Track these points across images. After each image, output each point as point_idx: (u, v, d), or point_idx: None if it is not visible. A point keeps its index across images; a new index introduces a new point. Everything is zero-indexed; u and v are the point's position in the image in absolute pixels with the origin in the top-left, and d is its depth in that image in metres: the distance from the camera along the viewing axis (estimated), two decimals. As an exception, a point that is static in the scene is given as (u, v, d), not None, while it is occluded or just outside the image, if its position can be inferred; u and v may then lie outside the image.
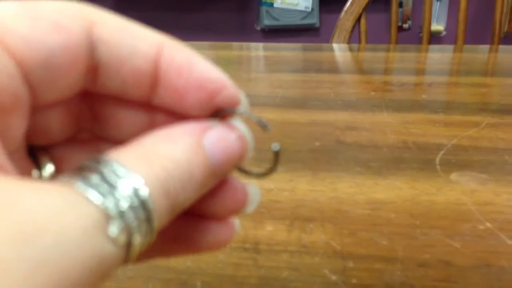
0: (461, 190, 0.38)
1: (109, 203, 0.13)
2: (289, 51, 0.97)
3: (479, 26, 1.93)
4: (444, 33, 2.47)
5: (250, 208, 0.20)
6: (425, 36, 1.11)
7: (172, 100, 0.18)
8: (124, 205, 0.14)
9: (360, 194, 0.38)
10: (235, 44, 1.00)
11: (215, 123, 0.18)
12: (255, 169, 0.20)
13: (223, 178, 0.19)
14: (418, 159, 0.44)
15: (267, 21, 2.58)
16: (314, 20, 2.57)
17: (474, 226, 0.34)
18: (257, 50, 1.01)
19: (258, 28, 2.62)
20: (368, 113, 0.57)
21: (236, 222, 0.20)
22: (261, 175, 0.20)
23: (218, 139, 0.17)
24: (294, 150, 0.47)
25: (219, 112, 0.18)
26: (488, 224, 0.34)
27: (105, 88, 0.18)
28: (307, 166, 0.43)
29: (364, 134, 0.50)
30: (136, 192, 0.14)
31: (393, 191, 0.38)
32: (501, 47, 0.99)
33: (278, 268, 0.30)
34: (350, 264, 0.30)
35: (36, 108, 0.17)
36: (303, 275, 0.29)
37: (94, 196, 0.13)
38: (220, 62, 0.20)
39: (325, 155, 0.46)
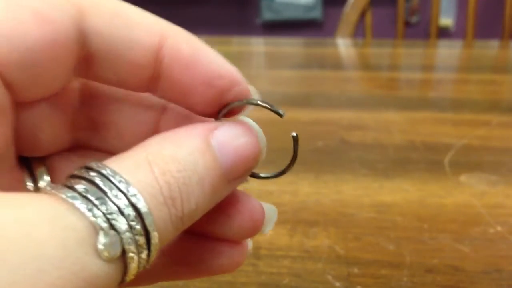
0: (470, 192, 0.37)
1: (98, 214, 0.12)
2: (291, 46, 0.96)
3: (489, 21, 1.91)
4: (453, 28, 2.45)
5: (267, 229, 0.18)
6: (433, 31, 1.09)
7: (175, 95, 0.16)
8: (116, 216, 0.12)
9: (365, 197, 0.37)
10: (235, 39, 0.99)
11: (224, 122, 0.16)
12: (265, 172, 0.18)
13: (239, 184, 0.17)
14: (426, 160, 0.43)
15: (268, 15, 2.56)
16: (317, 14, 2.55)
17: (484, 230, 0.33)
18: (258, 45, 1.00)
19: (259, 22, 2.61)
20: (374, 111, 0.56)
21: (249, 242, 0.19)
22: (277, 175, 0.18)
23: (227, 137, 0.16)
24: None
25: (228, 105, 0.17)
26: (499, 228, 0.33)
27: (99, 79, 0.16)
28: (309, 167, 0.42)
29: (370, 134, 0.49)
30: (130, 201, 0.13)
31: (400, 193, 0.37)
32: None
33: (279, 274, 0.29)
34: (355, 270, 0.29)
35: (21, 109, 0.16)
36: (305, 282, 0.28)
37: (80, 206, 0.12)
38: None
39: (329, 156, 0.45)
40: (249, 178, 0.18)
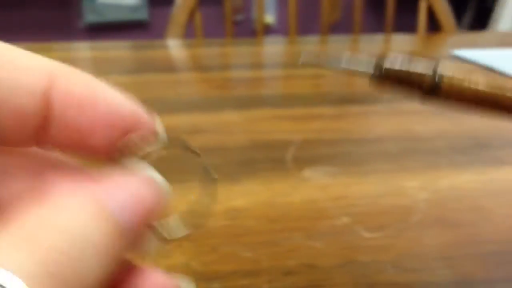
0: (314, 187, 0.38)
1: None
2: (118, 50, 0.91)
3: (309, 16, 2.05)
4: (275, 25, 2.59)
5: None
6: (258, 29, 1.13)
7: (72, 141, 0.14)
8: None
9: (216, 204, 0.35)
10: (55, 44, 0.91)
11: (117, 173, 0.15)
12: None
13: (138, 241, 0.15)
14: (270, 159, 0.43)
15: (90, 17, 2.43)
16: (143, 15, 2.49)
17: (332, 223, 0.33)
18: (82, 50, 0.93)
19: (81, 25, 2.46)
20: (212, 113, 0.55)
21: None
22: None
23: (123, 195, 0.14)
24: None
25: (129, 146, 0.15)
26: (345, 219, 0.34)
27: None
28: (154, 179, 0.39)
29: (211, 137, 0.48)
30: None
31: (249, 196, 0.37)
32: (330, 37, 1.06)
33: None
34: (215, 285, 0.28)
35: None
36: (163, 308, 0.26)
37: None
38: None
39: (172, 164, 0.42)
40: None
